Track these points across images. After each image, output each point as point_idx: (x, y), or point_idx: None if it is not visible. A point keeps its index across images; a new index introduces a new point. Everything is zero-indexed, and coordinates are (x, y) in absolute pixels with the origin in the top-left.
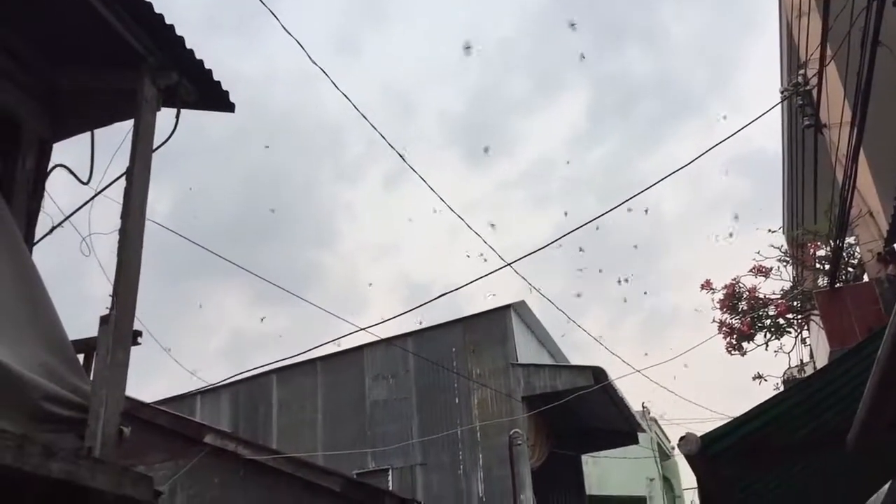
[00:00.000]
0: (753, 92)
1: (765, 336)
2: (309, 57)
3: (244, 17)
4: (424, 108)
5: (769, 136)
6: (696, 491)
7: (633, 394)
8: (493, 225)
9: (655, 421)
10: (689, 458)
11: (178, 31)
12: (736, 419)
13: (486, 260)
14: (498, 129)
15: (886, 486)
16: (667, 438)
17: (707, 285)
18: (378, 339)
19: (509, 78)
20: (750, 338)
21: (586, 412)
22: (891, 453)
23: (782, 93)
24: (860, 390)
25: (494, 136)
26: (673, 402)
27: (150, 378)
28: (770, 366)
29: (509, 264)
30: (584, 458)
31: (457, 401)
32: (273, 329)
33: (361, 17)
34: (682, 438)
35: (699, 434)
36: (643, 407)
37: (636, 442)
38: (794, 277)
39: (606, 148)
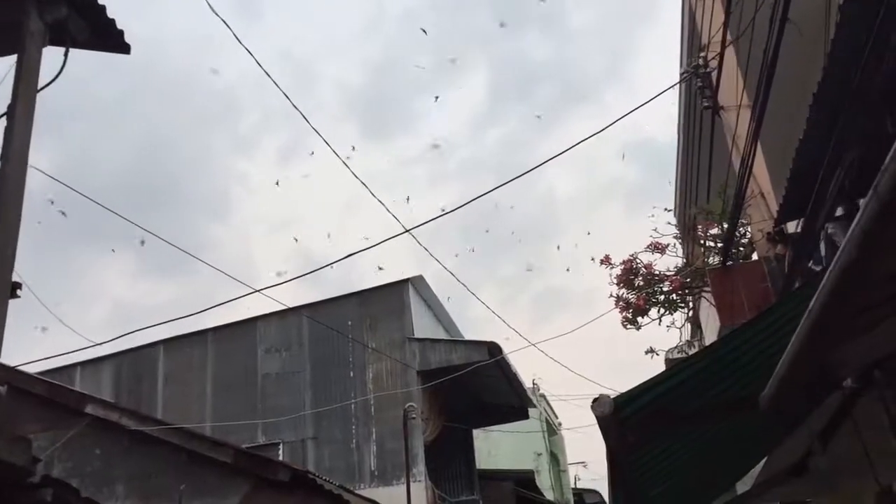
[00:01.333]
0: (647, 79)
1: (658, 311)
2: (213, 11)
3: None
4: (323, 78)
5: (661, 125)
6: (605, 455)
7: (524, 371)
8: (408, 198)
9: (544, 397)
10: (601, 419)
11: None
12: (644, 383)
13: (380, 268)
14: (398, 105)
15: (762, 462)
16: (554, 414)
17: (606, 260)
18: (272, 311)
19: (412, 54)
20: (644, 312)
21: (480, 387)
22: (782, 421)
23: (682, 74)
24: (758, 361)
25: (394, 112)
26: (562, 379)
27: (25, 351)
28: (662, 342)
29: (408, 231)
30: (475, 432)
31: (351, 374)
32: (159, 301)
33: None
34: (595, 400)
35: (611, 397)
36: (533, 383)
37: (527, 417)
38: (686, 255)
39: (505, 129)
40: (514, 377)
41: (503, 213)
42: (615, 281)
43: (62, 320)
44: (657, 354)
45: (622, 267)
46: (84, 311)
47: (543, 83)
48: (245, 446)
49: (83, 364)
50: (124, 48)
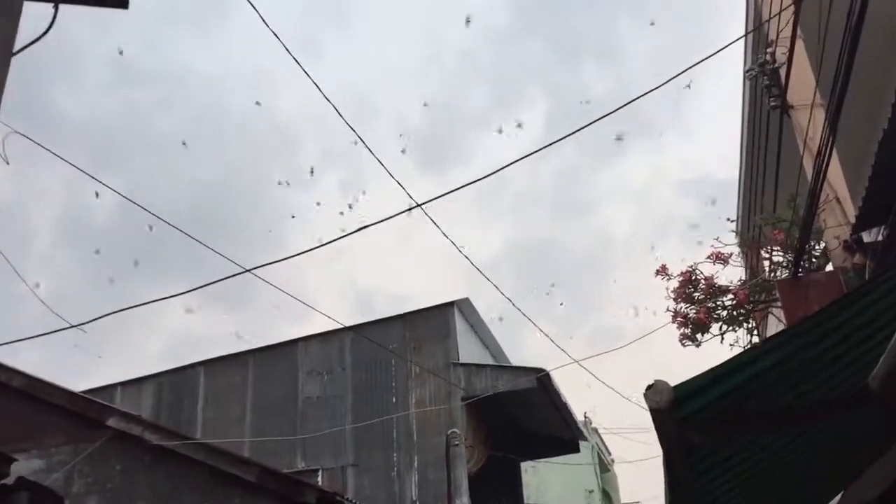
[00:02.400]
0: (705, 115)
1: (720, 328)
2: (285, 47)
3: (202, 12)
4: (382, 114)
5: (718, 161)
6: (662, 456)
7: (576, 405)
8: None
9: (597, 431)
10: (656, 412)
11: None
12: (709, 372)
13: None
14: (454, 140)
15: (838, 497)
16: (607, 450)
17: (662, 271)
18: (314, 333)
19: (468, 89)
20: (706, 328)
21: (527, 416)
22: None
23: (747, 72)
24: (864, 346)
25: (451, 147)
26: (615, 412)
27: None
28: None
29: (420, 205)
30: (523, 465)
31: (394, 400)
32: (215, 332)
33: (323, 20)
34: (649, 387)
35: (672, 384)
36: (585, 416)
37: (577, 451)
38: (749, 268)
39: (561, 162)
40: (564, 406)
41: (559, 251)
42: (672, 295)
43: (54, 310)
44: None
45: (681, 278)
46: (143, 340)
47: (600, 115)
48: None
49: (124, 384)
50: (121, 2)
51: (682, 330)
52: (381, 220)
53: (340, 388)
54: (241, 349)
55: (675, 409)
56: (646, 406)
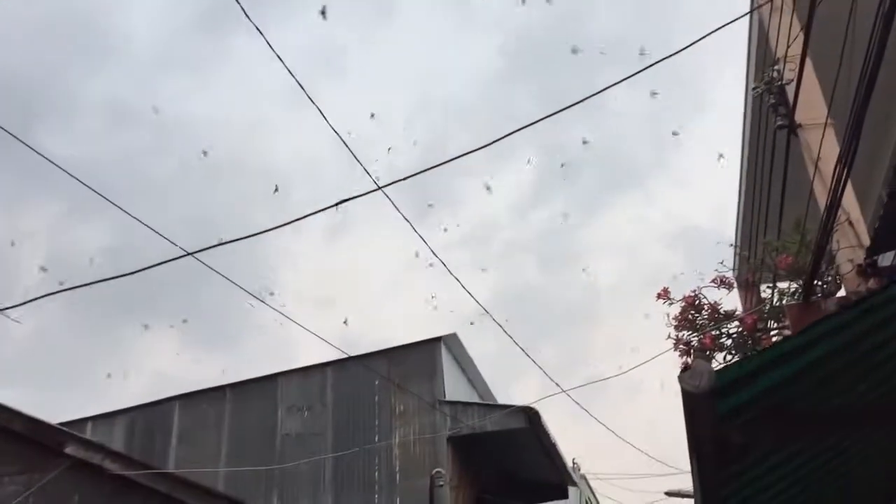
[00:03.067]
0: (694, 168)
1: (724, 358)
2: (299, 84)
3: (199, 59)
4: (371, 161)
5: (703, 213)
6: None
7: (565, 451)
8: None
9: (585, 479)
10: (691, 398)
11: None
12: (755, 357)
13: (435, 308)
14: (442, 187)
15: None
16: (595, 499)
17: (664, 295)
18: (295, 368)
19: (457, 137)
20: (711, 352)
21: (515, 459)
22: None
23: (754, 89)
24: None
25: (439, 194)
26: (605, 460)
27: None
28: None
29: (380, 188)
30: None
31: (377, 438)
32: (201, 375)
33: (318, 68)
34: (686, 368)
35: (714, 367)
36: (574, 462)
37: (566, 496)
38: (751, 294)
39: (548, 213)
40: (553, 448)
41: (546, 301)
42: (672, 322)
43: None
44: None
45: (683, 303)
46: (127, 382)
47: (588, 169)
48: None
49: (94, 418)
50: None
51: (683, 359)
52: (358, 196)
53: (321, 426)
54: (218, 384)
55: (714, 399)
56: (638, 448)
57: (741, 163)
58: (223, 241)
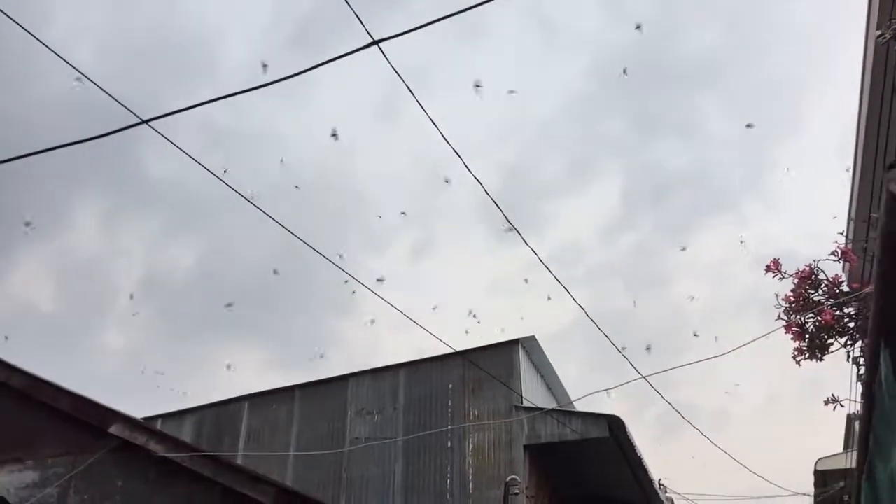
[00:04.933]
0: (788, 192)
1: (846, 344)
2: (440, 133)
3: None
4: (458, 179)
5: (800, 239)
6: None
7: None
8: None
9: (672, 502)
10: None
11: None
12: None
13: (502, 330)
14: (528, 209)
15: None
16: None
17: (774, 267)
18: (366, 369)
19: (545, 158)
20: (831, 334)
21: (597, 471)
22: None
23: (878, 38)
24: None
25: (524, 216)
26: (693, 484)
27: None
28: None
29: (375, 42)
30: None
31: (449, 444)
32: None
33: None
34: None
35: None
36: (660, 484)
37: None
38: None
39: (637, 236)
40: (638, 461)
41: (632, 324)
42: (783, 301)
43: None
44: (841, 405)
45: (797, 276)
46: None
47: (679, 191)
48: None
49: (165, 416)
50: None
51: (797, 343)
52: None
53: (392, 430)
54: (287, 384)
55: None
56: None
57: (857, 125)
58: (179, 109)
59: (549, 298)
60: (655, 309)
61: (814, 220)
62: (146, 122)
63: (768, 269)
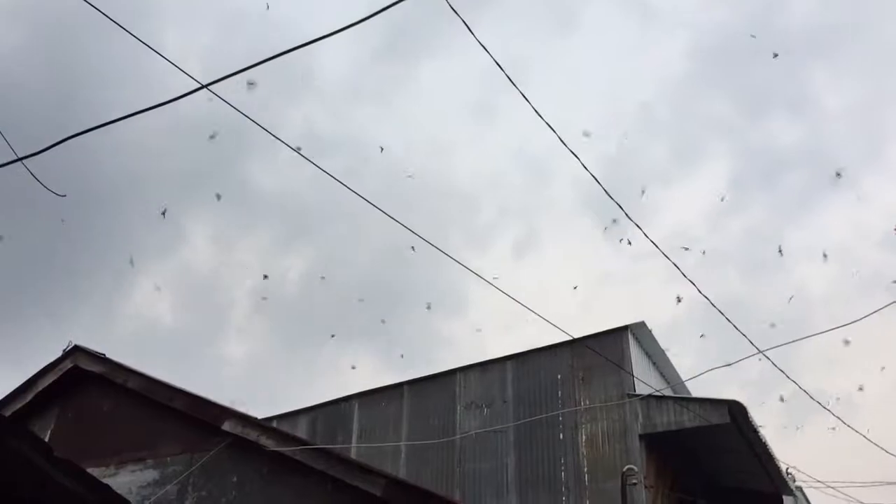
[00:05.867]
0: None
1: None
2: (544, 121)
3: (383, 87)
4: (558, 174)
5: None
6: None
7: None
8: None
9: (802, 490)
10: None
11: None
12: None
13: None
14: (634, 198)
15: None
16: None
17: None
18: (473, 363)
19: (648, 145)
20: None
21: (719, 460)
22: None
23: None
24: None
25: (630, 206)
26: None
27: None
28: None
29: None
30: None
31: (561, 437)
32: None
33: (500, 83)
34: None
35: None
36: (787, 472)
37: None
38: None
39: (748, 220)
40: (764, 449)
41: (748, 312)
42: None
43: None
44: None
45: None
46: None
47: (792, 170)
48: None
49: (280, 417)
50: None
51: None
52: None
53: (502, 423)
54: (396, 381)
55: None
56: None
57: None
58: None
59: (679, 300)
60: (772, 296)
61: None
62: (205, 86)
63: None
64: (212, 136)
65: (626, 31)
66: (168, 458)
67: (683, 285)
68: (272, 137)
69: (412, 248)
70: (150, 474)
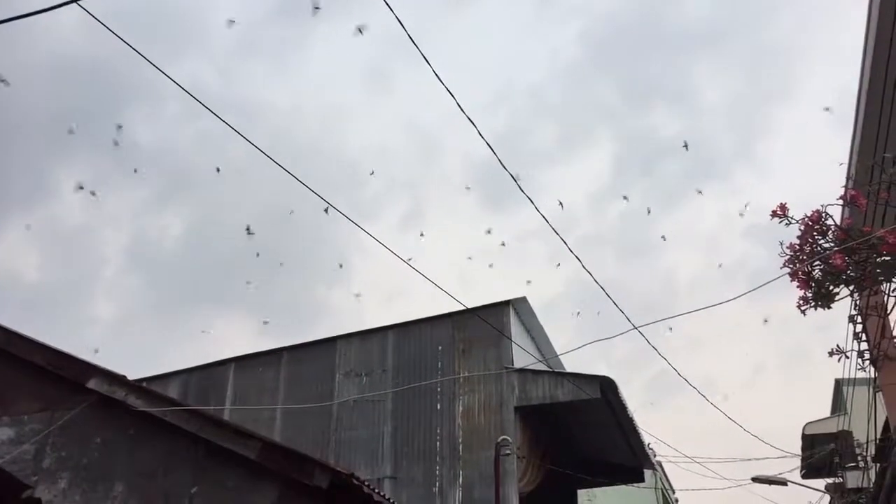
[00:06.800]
0: (781, 159)
1: (852, 292)
2: (447, 89)
3: (277, 46)
4: (448, 149)
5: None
6: None
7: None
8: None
9: (661, 465)
10: None
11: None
12: None
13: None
14: (520, 177)
15: None
16: (671, 489)
17: (780, 212)
18: (354, 331)
19: (535, 126)
20: (839, 280)
21: (589, 434)
22: None
23: None
24: None
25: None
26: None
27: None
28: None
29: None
30: (580, 492)
31: (438, 406)
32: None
33: (395, 52)
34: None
35: None
36: (648, 447)
37: (642, 479)
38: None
39: (626, 205)
40: (630, 424)
41: (622, 294)
42: (788, 249)
43: None
44: (846, 356)
45: (805, 222)
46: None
47: (669, 159)
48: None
49: (149, 379)
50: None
51: (802, 292)
52: None
53: (380, 392)
54: (275, 346)
55: None
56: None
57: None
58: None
59: (558, 265)
60: (644, 278)
61: (806, 187)
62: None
63: (774, 214)
64: (70, 131)
65: (521, 12)
66: (25, 416)
67: (563, 267)
68: (153, 90)
69: (291, 211)
70: (5, 432)
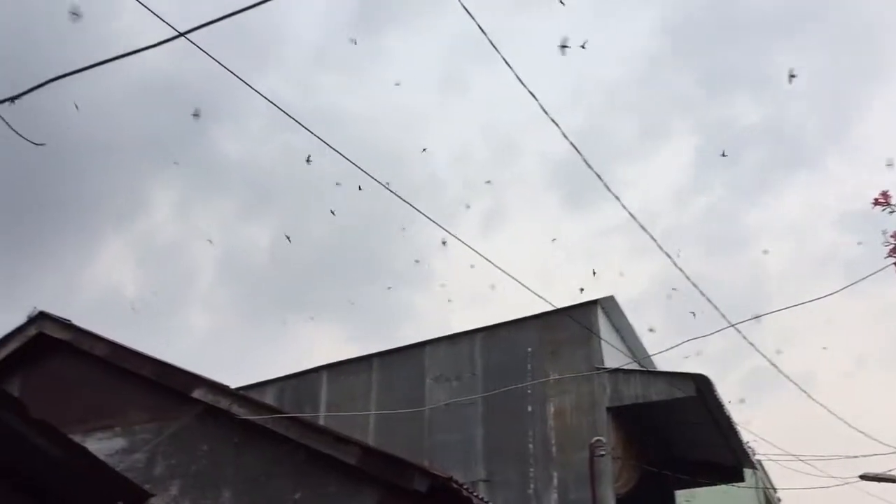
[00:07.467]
0: (871, 142)
1: None
2: (527, 90)
3: (352, 55)
4: (526, 150)
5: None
6: None
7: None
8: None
9: (761, 464)
10: None
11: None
12: None
13: (581, 290)
14: (602, 175)
15: None
16: (773, 487)
17: (884, 199)
18: (442, 336)
19: (614, 122)
20: None
21: (684, 433)
22: None
23: None
24: None
25: (595, 181)
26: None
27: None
28: None
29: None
30: (678, 493)
31: (530, 409)
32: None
33: (470, 57)
34: None
35: None
36: (748, 446)
37: (741, 479)
38: None
39: (711, 197)
40: (728, 422)
41: (709, 288)
42: (893, 238)
43: None
44: None
45: None
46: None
47: (754, 148)
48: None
49: (245, 388)
50: None
51: None
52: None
53: (470, 396)
54: (365, 353)
55: None
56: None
57: None
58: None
59: (621, 274)
60: (731, 272)
61: None
62: (183, 34)
63: (877, 202)
64: (195, 115)
65: (594, 7)
66: (136, 427)
67: (646, 259)
68: (238, 107)
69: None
70: (119, 442)
